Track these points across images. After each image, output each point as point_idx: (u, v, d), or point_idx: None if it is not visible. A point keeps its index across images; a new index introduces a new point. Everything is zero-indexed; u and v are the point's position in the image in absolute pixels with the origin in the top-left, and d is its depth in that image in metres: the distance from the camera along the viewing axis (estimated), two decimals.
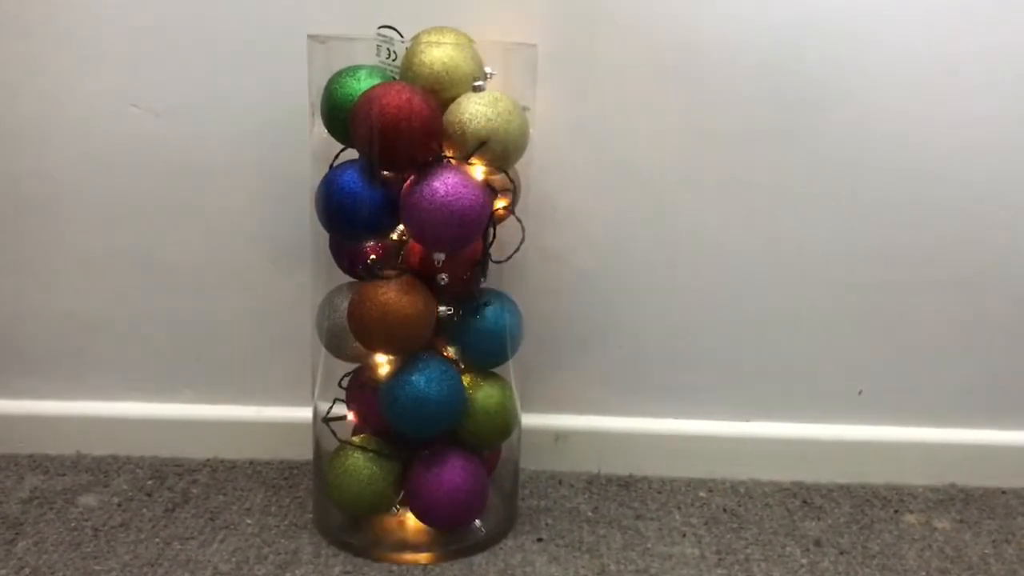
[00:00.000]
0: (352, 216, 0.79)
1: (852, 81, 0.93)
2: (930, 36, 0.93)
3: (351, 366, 0.87)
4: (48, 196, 0.97)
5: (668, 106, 0.94)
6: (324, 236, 0.84)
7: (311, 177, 0.83)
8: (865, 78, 0.93)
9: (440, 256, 0.80)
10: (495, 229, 0.83)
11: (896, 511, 0.97)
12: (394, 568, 0.83)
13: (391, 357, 0.83)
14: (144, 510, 0.92)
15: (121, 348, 1.02)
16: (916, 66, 0.93)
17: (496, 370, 0.88)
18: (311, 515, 0.91)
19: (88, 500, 0.93)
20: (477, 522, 0.88)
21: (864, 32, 0.92)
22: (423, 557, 0.85)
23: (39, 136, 0.95)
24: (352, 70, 0.80)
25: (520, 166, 0.84)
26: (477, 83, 0.79)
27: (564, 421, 1.02)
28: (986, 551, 0.90)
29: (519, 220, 0.84)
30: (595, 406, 1.03)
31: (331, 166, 0.82)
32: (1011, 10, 0.92)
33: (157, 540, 0.86)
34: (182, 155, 0.95)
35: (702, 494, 0.99)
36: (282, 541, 0.87)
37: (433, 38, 0.80)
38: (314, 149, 0.84)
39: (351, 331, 0.81)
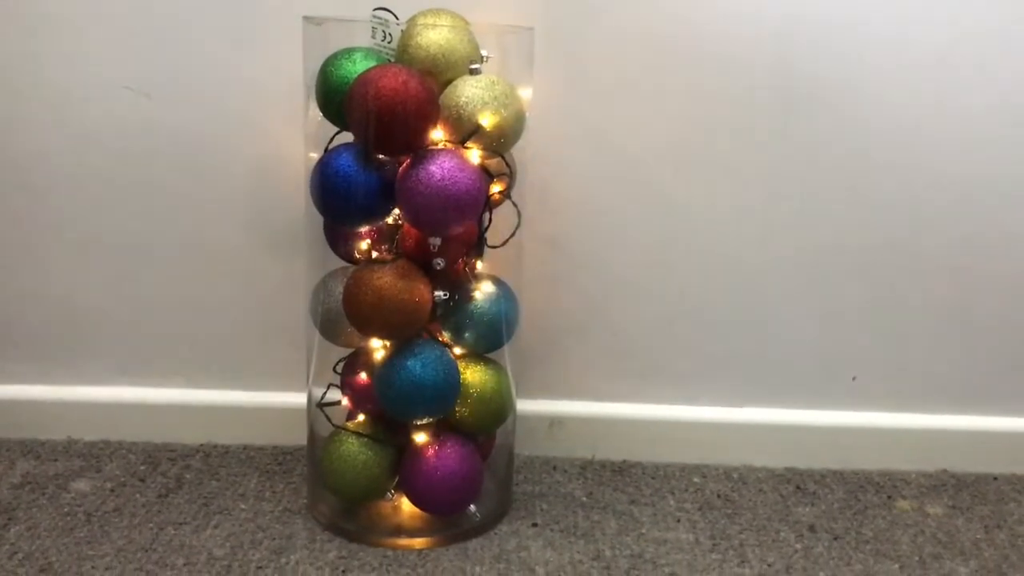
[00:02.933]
0: (347, 200, 0.79)
1: (849, 71, 0.93)
2: (928, 28, 0.92)
3: (345, 351, 0.87)
4: (39, 179, 0.96)
5: (665, 92, 0.94)
6: (318, 220, 0.84)
7: (306, 160, 0.83)
8: (863, 69, 0.93)
9: (436, 241, 0.80)
10: (491, 213, 0.83)
11: (889, 497, 0.98)
12: (389, 553, 0.83)
13: (386, 342, 0.83)
14: (137, 495, 0.91)
15: (113, 333, 1.01)
16: (913, 57, 0.93)
17: (491, 355, 0.88)
18: (305, 500, 0.91)
19: (80, 485, 0.93)
20: (472, 507, 0.88)
21: (862, 23, 0.92)
22: (418, 542, 0.85)
23: (30, 118, 0.94)
24: (347, 52, 0.79)
25: (516, 150, 0.83)
26: (473, 66, 0.78)
27: (559, 407, 1.02)
28: (978, 536, 0.91)
29: (515, 205, 0.84)
30: (590, 392, 1.03)
31: (326, 149, 0.81)
32: (1008, 2, 0.92)
33: (151, 525, 0.86)
34: (175, 138, 0.94)
35: (696, 480, 0.99)
36: (277, 526, 0.87)
37: (429, 20, 0.79)
38: (309, 132, 0.83)
39: (346, 316, 0.81)
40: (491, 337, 0.86)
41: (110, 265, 0.99)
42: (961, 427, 1.04)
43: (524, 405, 0.96)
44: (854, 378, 1.03)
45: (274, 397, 1.01)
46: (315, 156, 0.81)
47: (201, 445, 1.01)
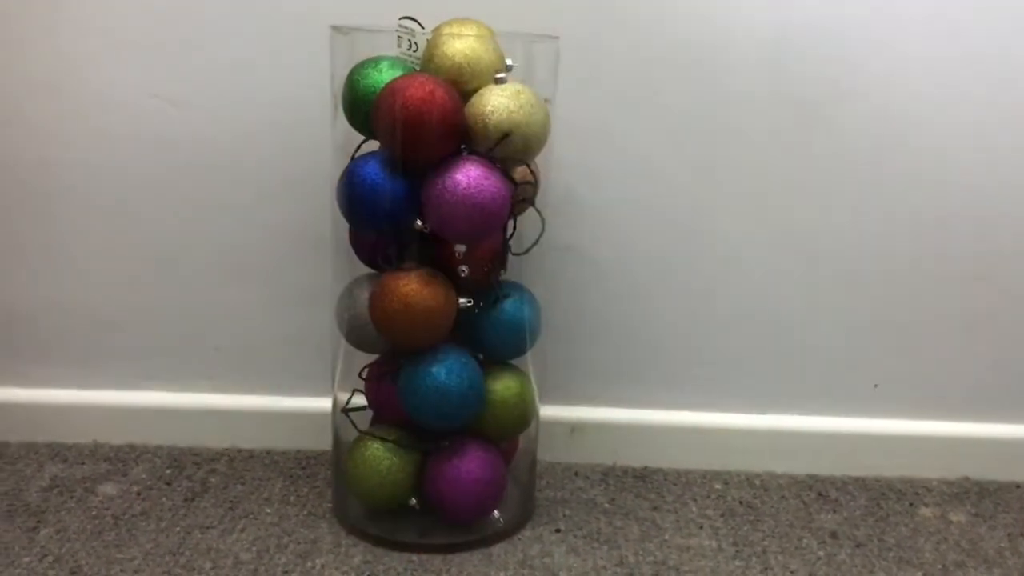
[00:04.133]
0: (373, 208, 0.80)
1: (866, 78, 0.93)
2: (942, 35, 0.92)
3: (371, 357, 0.88)
4: (65, 185, 0.97)
5: (687, 100, 0.94)
6: (344, 227, 0.85)
7: (332, 168, 0.83)
8: (879, 75, 0.93)
9: (461, 248, 0.80)
10: (515, 221, 0.83)
11: (911, 504, 0.98)
12: (414, 558, 0.84)
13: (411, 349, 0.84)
14: (164, 499, 0.92)
15: (139, 337, 1.02)
16: (928, 65, 0.93)
17: (514, 362, 0.89)
18: (330, 505, 0.92)
19: (108, 489, 0.94)
20: (496, 513, 0.88)
21: (877, 30, 0.92)
22: (442, 547, 0.85)
23: (58, 126, 0.95)
24: (374, 61, 0.80)
25: (540, 158, 0.83)
26: (499, 75, 0.79)
27: (580, 413, 1.03)
28: (1002, 544, 0.91)
29: (539, 212, 0.84)
30: (611, 398, 1.03)
31: (352, 158, 0.82)
32: (1020, 9, 0.92)
33: (178, 529, 0.87)
34: (201, 145, 0.95)
35: (718, 486, 1.00)
36: (302, 531, 0.87)
37: (455, 30, 0.80)
38: (336, 140, 0.84)
39: (372, 323, 0.81)
40: (514, 344, 0.87)
41: (136, 270, 1.00)
42: (984, 435, 1.04)
43: (545, 411, 0.96)
44: (876, 385, 1.03)
45: (298, 402, 1.02)
46: (342, 164, 0.82)
47: (226, 449, 1.02)
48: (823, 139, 0.95)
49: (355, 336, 0.86)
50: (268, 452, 1.02)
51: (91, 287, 1.00)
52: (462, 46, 0.78)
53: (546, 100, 0.81)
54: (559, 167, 0.90)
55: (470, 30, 0.80)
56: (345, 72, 0.80)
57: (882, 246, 0.99)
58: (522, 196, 0.82)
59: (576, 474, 1.01)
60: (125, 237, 0.99)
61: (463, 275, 0.81)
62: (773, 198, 0.97)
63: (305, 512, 0.91)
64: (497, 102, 0.77)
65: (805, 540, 0.90)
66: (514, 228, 0.83)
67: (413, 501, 0.87)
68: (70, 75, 0.94)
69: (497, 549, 0.86)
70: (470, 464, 0.84)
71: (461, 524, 0.87)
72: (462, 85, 0.79)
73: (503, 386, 0.86)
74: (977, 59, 0.93)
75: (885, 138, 0.95)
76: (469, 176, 0.77)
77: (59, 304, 1.01)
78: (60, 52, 0.93)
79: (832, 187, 0.97)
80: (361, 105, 0.79)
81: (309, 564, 0.82)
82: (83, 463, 0.99)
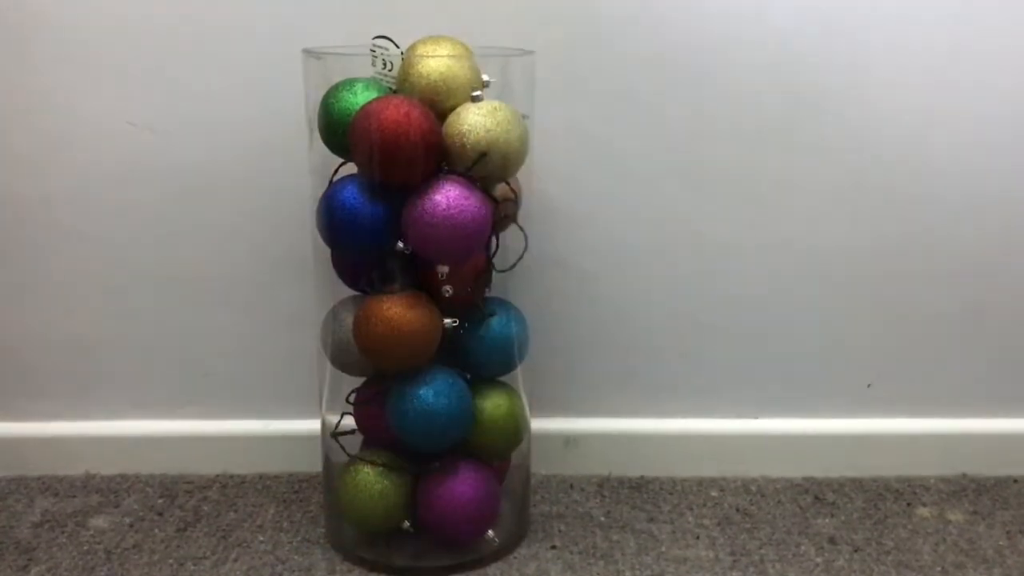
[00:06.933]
0: (353, 231, 0.79)
1: (855, 76, 0.93)
2: (934, 32, 0.92)
3: (358, 380, 0.87)
4: (46, 216, 0.96)
5: (669, 106, 0.93)
6: (326, 250, 0.84)
7: (311, 192, 0.83)
8: (868, 73, 0.93)
9: (444, 269, 0.80)
10: (498, 239, 0.83)
11: (909, 504, 0.97)
12: None
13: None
14: (156, 530, 0.91)
15: (126, 366, 1.01)
16: (920, 61, 0.92)
17: (504, 378, 0.88)
18: (323, 530, 0.91)
19: (99, 522, 0.93)
20: (490, 532, 0.87)
21: (867, 27, 0.91)
22: (438, 570, 0.85)
23: (37, 157, 0.94)
24: (349, 83, 0.79)
25: (522, 172, 0.83)
26: (475, 93, 0.78)
27: (573, 425, 1.02)
28: (1001, 543, 0.90)
29: (521, 228, 0.84)
30: (604, 408, 1.02)
31: (330, 181, 0.81)
32: (1014, 6, 0.91)
33: (170, 561, 0.86)
34: (180, 172, 0.94)
35: (714, 493, 0.99)
36: (296, 558, 0.87)
37: (429, 49, 0.79)
38: (313, 164, 0.83)
39: (357, 348, 0.81)
40: (503, 361, 0.86)
41: (119, 299, 0.99)
42: (979, 430, 1.03)
43: (538, 424, 0.95)
44: (869, 385, 1.03)
45: (289, 425, 1.01)
46: (320, 188, 0.81)
47: (217, 475, 1.02)
48: (810, 138, 0.94)
49: (341, 360, 0.85)
50: (260, 477, 1.01)
51: (75, 318, 0.99)
52: (437, 65, 0.78)
53: (524, 116, 0.80)
54: (542, 180, 0.89)
55: (445, 49, 0.79)
56: (319, 95, 0.79)
57: (872, 245, 0.98)
58: (504, 213, 0.82)
59: (571, 487, 1.00)
60: (108, 266, 0.98)
61: (447, 295, 0.81)
62: (760, 200, 0.97)
63: (299, 538, 0.90)
64: (474, 121, 0.76)
65: (803, 547, 0.89)
66: (496, 246, 0.82)
67: (406, 524, 0.86)
68: (46, 105, 0.93)
69: (493, 569, 0.85)
70: (463, 485, 0.84)
71: (456, 546, 0.86)
72: (438, 104, 0.78)
73: (493, 404, 0.85)
74: (972, 50, 0.92)
75: (875, 135, 0.94)
76: (449, 196, 0.76)
77: (44, 336, 1.00)
78: (34, 82, 0.92)
79: (820, 187, 0.96)
80: (337, 128, 0.78)
81: None
82: (74, 496, 0.98)
